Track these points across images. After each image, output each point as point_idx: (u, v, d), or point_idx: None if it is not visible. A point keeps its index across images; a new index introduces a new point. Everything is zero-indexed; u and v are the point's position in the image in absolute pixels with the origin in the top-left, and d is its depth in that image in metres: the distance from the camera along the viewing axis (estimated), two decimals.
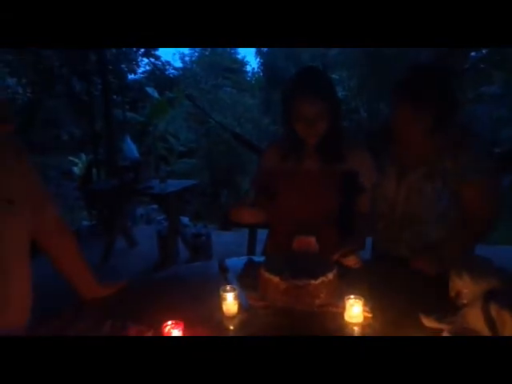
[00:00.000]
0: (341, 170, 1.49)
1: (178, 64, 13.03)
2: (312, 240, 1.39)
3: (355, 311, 1.10)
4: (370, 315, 1.12)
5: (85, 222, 4.91)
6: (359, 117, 8.90)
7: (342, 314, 1.13)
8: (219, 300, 1.17)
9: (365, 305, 1.11)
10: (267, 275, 1.22)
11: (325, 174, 1.50)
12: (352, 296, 1.11)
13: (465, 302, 1.11)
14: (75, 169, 6.27)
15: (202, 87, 10.18)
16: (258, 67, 13.16)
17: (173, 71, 12.07)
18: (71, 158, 6.50)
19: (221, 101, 9.30)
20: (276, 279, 1.19)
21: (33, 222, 1.15)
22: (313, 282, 1.17)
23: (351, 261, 1.36)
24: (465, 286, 1.12)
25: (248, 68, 13.96)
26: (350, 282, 1.24)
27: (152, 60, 10.64)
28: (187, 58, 13.52)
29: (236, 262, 1.50)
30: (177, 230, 3.86)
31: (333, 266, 1.25)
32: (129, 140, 4.14)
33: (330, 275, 1.20)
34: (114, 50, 6.01)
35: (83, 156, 6.32)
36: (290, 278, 1.19)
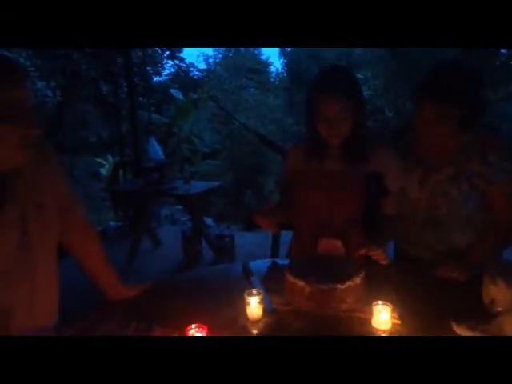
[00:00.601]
0: (365, 171, 1.46)
1: (202, 66, 13.15)
2: (337, 243, 1.36)
3: (383, 317, 1.07)
4: (398, 322, 1.08)
5: (111, 223, 5.00)
6: (384, 117, 8.75)
7: (369, 320, 1.10)
8: (243, 304, 1.15)
9: (393, 311, 1.08)
10: (292, 279, 1.20)
11: (348, 176, 1.47)
12: (380, 302, 1.08)
13: (500, 309, 1.06)
14: (102, 170, 6.39)
15: (225, 88, 10.23)
16: (282, 68, 13.15)
17: (197, 73, 12.17)
18: (98, 160, 6.63)
19: (244, 102, 9.32)
20: (301, 283, 1.17)
21: (60, 224, 1.17)
22: (339, 286, 1.14)
23: (379, 255, 1.32)
24: (500, 293, 1.07)
25: (272, 69, 13.95)
26: (376, 286, 1.21)
27: (177, 62, 10.76)
28: (211, 60, 13.62)
29: (260, 265, 1.48)
30: (200, 230, 3.88)
31: (360, 269, 1.22)
32: (154, 141, 4.18)
33: (357, 279, 1.17)
34: (139, 53, 6.09)
35: (110, 157, 6.43)
36: (315, 282, 1.16)
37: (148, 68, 8.34)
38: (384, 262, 1.32)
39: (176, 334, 1.06)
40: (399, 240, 1.67)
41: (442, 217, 1.50)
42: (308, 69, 11.33)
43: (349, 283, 1.16)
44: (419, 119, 1.40)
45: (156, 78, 9.96)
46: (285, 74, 13.15)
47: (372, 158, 1.46)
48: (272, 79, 13.87)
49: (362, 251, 1.29)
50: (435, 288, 1.30)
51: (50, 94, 6.21)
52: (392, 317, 1.07)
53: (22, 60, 5.71)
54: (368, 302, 1.11)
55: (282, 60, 12.79)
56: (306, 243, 1.50)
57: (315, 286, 1.15)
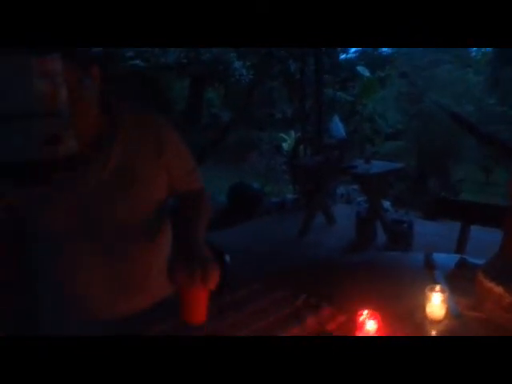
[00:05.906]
0: None
1: None
2: None
3: None
4: None
5: (289, 195, 5.21)
6: None
7: None
8: (422, 298, 1.03)
9: None
10: (487, 282, 1.02)
11: None
12: None
13: None
14: (284, 145, 6.70)
15: (416, 64, 9.42)
16: None
17: (386, 49, 11.53)
18: (282, 135, 6.96)
19: (438, 78, 8.43)
20: (499, 290, 0.98)
21: (179, 190, 1.20)
22: None
23: None
24: None
25: None
26: None
27: None
28: None
29: (445, 259, 1.32)
30: (377, 213, 3.72)
31: None
32: (337, 119, 4.15)
33: None
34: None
35: (292, 133, 6.68)
36: None
37: None
38: None
39: (344, 317, 1.02)
40: None
41: None
42: None
43: None
44: None
45: (343, 56, 9.81)
46: None
47: None
48: (473, 53, 12.19)
49: None
50: None
51: (244, 72, 6.70)
52: None
53: None
54: None
55: None
56: None
57: None
